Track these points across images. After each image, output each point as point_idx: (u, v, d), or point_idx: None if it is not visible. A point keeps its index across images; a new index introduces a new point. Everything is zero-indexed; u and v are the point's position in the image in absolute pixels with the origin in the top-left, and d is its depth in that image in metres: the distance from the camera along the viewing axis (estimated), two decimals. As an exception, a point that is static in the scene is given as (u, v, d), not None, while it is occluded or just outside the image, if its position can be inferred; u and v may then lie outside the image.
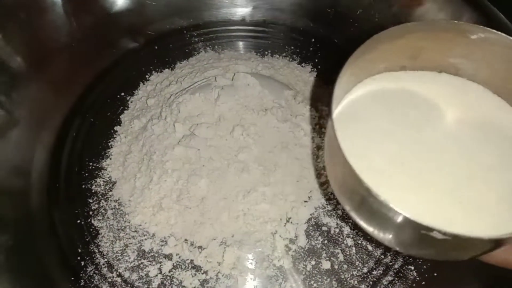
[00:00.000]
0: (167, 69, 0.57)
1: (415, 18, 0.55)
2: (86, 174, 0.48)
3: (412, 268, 0.42)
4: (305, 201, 0.45)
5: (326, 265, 0.42)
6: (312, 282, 0.41)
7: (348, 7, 0.60)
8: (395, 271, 0.42)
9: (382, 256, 0.43)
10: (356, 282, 0.41)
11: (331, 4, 0.61)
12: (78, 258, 0.42)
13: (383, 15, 0.57)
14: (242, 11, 0.63)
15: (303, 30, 0.62)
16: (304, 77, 0.56)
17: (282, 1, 0.62)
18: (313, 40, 0.61)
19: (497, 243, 0.25)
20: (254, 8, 0.63)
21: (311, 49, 0.60)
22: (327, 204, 0.45)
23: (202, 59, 0.58)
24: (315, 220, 0.44)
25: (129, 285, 0.41)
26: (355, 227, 0.44)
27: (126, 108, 0.53)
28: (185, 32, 0.62)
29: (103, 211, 0.45)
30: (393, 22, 0.56)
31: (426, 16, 0.54)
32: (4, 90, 0.48)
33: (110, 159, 0.48)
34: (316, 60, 0.58)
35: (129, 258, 0.42)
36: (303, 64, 0.58)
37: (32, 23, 0.52)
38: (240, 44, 0.61)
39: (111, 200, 0.46)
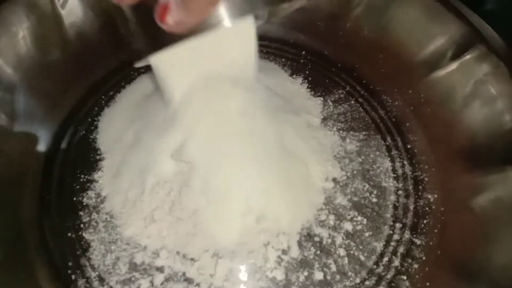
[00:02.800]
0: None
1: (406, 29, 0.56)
2: (78, 187, 0.47)
3: (405, 278, 0.42)
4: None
5: (319, 276, 0.42)
6: (305, 293, 0.41)
7: (337, 20, 0.62)
8: (387, 281, 0.42)
9: (375, 266, 0.43)
10: (349, 292, 0.41)
11: (321, 18, 0.62)
12: (69, 271, 0.42)
13: (371, 28, 0.59)
14: (233, 24, 0.64)
15: (293, 43, 0.63)
16: (295, 88, 0.57)
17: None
18: (303, 52, 0.62)
19: None
20: (245, 21, 0.64)
21: (302, 61, 0.61)
22: (319, 215, 0.46)
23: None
24: (307, 231, 0.45)
25: (120, 299, 0.40)
26: (347, 237, 0.44)
27: (118, 120, 0.53)
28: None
29: (94, 223, 0.45)
30: (380, 33, 0.58)
31: (416, 29, 0.55)
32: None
33: (102, 171, 0.48)
34: (307, 72, 0.59)
35: (121, 271, 0.42)
36: (294, 76, 0.59)
37: (23, 36, 0.52)
38: (233, 57, 0.61)
39: (102, 213, 0.45)
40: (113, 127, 0.53)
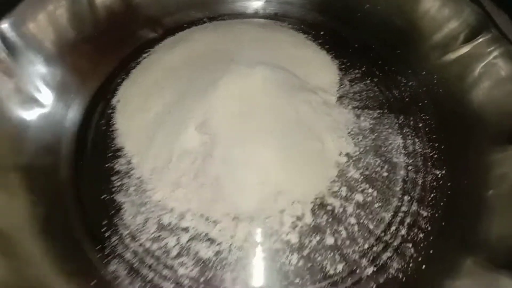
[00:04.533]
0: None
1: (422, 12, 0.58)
2: (110, 154, 0.51)
3: (410, 245, 0.45)
4: (312, 183, 0.48)
5: (330, 240, 0.45)
6: (316, 255, 0.44)
7: (355, 2, 0.64)
8: (394, 248, 0.45)
9: (382, 234, 0.46)
10: (357, 257, 0.45)
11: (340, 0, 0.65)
12: (103, 229, 0.46)
13: (388, 11, 0.61)
14: (255, 4, 0.67)
15: (312, 23, 0.65)
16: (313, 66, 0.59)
17: (293, -5, 0.66)
18: (321, 33, 0.64)
19: None
20: (267, 2, 0.67)
21: (319, 41, 0.63)
22: (332, 186, 0.49)
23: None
24: (320, 200, 0.48)
25: (149, 254, 0.44)
26: (358, 207, 0.48)
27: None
28: (201, 23, 0.65)
29: (125, 187, 0.49)
30: (398, 16, 0.60)
31: (430, 12, 0.57)
32: (36, 75, 0.52)
33: (132, 140, 0.52)
34: (325, 52, 0.61)
35: (150, 230, 0.46)
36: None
37: (59, 14, 0.56)
38: (253, 35, 0.64)
39: (133, 178, 0.49)
40: (138, 99, 0.56)
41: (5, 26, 0.51)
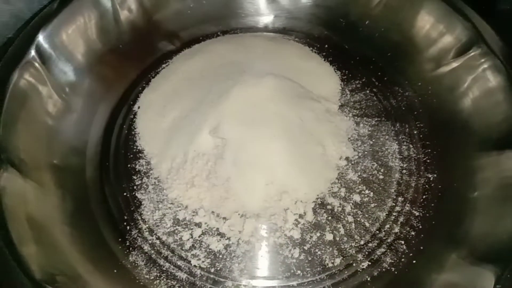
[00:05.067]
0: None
1: (418, 28, 0.63)
2: (131, 156, 0.56)
3: (403, 242, 0.49)
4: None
5: (329, 237, 0.49)
6: (316, 250, 0.48)
7: (357, 18, 0.68)
8: (387, 244, 0.49)
9: (377, 232, 0.50)
10: (354, 252, 0.48)
11: (343, 15, 0.69)
12: (125, 223, 0.51)
13: (387, 26, 0.65)
14: (265, 19, 0.72)
15: (318, 37, 0.70)
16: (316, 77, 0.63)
17: (300, 11, 0.71)
18: (326, 46, 0.68)
19: None
20: (276, 17, 0.72)
21: (324, 53, 0.67)
22: (332, 187, 0.53)
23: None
24: (321, 200, 0.52)
25: (166, 246, 0.49)
26: (355, 206, 0.51)
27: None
28: (215, 37, 0.70)
29: (145, 186, 0.53)
30: (396, 31, 0.64)
31: (426, 28, 0.61)
32: (66, 83, 0.57)
33: (151, 143, 0.57)
34: (329, 63, 0.66)
35: (166, 225, 0.50)
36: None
37: (88, 27, 0.61)
38: (263, 48, 0.68)
39: (151, 178, 0.54)
40: (158, 106, 0.61)
41: (40, 38, 0.55)
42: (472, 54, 0.56)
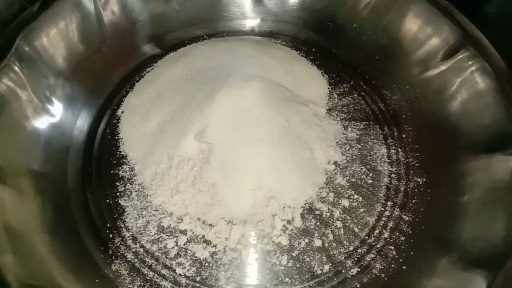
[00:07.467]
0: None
1: (406, 31, 0.62)
2: (114, 161, 0.55)
3: (392, 248, 0.48)
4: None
5: (317, 243, 0.48)
6: (305, 256, 0.48)
7: (345, 21, 0.68)
8: (377, 250, 0.48)
9: (367, 237, 0.49)
10: (343, 258, 0.48)
11: (330, 18, 0.69)
12: (107, 231, 0.49)
13: (374, 29, 0.65)
14: (251, 22, 0.71)
15: (305, 40, 0.69)
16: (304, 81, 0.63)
17: (287, 14, 0.70)
18: (313, 49, 0.68)
19: None
20: (262, 20, 0.71)
21: (311, 57, 0.67)
22: (320, 192, 0.52)
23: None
24: (309, 205, 0.51)
25: (150, 255, 0.48)
26: (344, 212, 0.51)
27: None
28: (201, 40, 0.69)
29: (128, 192, 0.52)
30: (383, 35, 0.64)
31: (413, 31, 0.61)
32: (47, 87, 0.56)
33: (135, 149, 0.56)
34: (316, 67, 0.65)
35: (150, 232, 0.49)
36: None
37: (70, 30, 0.60)
38: (249, 52, 0.67)
39: (135, 184, 0.53)
40: (142, 110, 0.59)
41: (20, 41, 0.54)
42: (460, 56, 0.56)
